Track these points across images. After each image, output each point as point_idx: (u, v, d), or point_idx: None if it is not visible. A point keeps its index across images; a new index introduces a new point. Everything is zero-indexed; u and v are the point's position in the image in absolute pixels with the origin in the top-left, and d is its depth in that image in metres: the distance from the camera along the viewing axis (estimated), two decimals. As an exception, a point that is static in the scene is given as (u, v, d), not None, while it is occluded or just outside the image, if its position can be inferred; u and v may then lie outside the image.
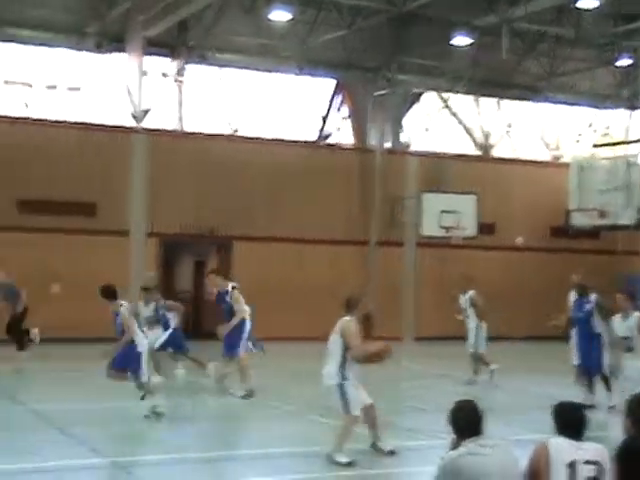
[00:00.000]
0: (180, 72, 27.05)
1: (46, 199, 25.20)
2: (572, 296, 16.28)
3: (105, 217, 25.98)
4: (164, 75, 26.77)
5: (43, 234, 24.75)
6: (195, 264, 29.04)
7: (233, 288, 15.38)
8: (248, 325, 15.32)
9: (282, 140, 28.61)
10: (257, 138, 28.23)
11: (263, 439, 11.60)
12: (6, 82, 25.78)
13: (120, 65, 26.71)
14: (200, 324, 28.18)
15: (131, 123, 26.61)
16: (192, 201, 26.88)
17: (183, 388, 16.78)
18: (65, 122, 26.08)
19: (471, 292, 18.05)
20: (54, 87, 26.10)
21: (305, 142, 29.25)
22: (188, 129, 27.60)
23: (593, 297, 15.19)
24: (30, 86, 26.19)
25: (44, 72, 26.33)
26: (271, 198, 27.81)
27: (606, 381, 14.82)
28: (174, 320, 17.17)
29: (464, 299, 18.09)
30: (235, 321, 15.04)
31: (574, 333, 15.48)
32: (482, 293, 17.88)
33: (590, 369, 14.89)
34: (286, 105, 29.16)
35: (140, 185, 26.38)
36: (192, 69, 27.55)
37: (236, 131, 28.10)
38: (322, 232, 28.33)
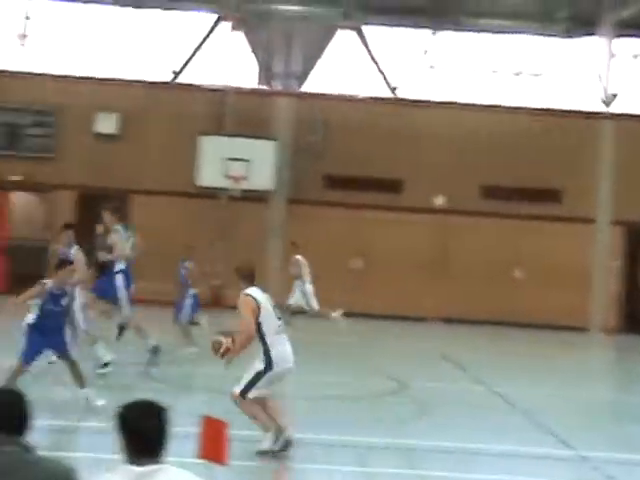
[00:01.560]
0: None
1: (510, 186, 25.31)
2: None
3: (570, 204, 25.58)
4: (635, 57, 25.72)
5: (501, 219, 25.04)
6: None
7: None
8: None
9: None
10: None
11: None
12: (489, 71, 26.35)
13: (587, 49, 26.19)
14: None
15: (599, 108, 25.94)
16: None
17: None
18: (529, 108, 26.08)
19: None
20: (519, 74, 26.24)
21: None
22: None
23: None
24: (496, 73, 26.57)
25: (510, 59, 26.58)
26: None
27: None
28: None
29: None
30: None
31: None
32: None
33: None
34: None
35: (607, 171, 25.65)
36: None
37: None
38: None
